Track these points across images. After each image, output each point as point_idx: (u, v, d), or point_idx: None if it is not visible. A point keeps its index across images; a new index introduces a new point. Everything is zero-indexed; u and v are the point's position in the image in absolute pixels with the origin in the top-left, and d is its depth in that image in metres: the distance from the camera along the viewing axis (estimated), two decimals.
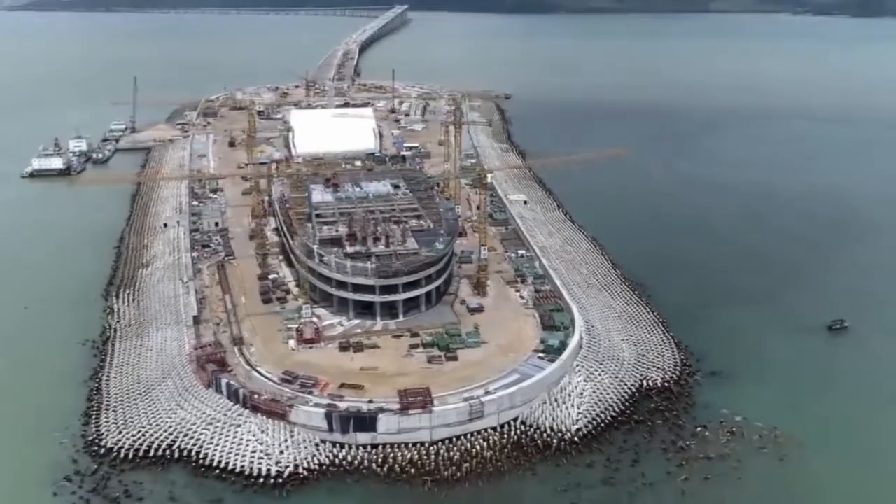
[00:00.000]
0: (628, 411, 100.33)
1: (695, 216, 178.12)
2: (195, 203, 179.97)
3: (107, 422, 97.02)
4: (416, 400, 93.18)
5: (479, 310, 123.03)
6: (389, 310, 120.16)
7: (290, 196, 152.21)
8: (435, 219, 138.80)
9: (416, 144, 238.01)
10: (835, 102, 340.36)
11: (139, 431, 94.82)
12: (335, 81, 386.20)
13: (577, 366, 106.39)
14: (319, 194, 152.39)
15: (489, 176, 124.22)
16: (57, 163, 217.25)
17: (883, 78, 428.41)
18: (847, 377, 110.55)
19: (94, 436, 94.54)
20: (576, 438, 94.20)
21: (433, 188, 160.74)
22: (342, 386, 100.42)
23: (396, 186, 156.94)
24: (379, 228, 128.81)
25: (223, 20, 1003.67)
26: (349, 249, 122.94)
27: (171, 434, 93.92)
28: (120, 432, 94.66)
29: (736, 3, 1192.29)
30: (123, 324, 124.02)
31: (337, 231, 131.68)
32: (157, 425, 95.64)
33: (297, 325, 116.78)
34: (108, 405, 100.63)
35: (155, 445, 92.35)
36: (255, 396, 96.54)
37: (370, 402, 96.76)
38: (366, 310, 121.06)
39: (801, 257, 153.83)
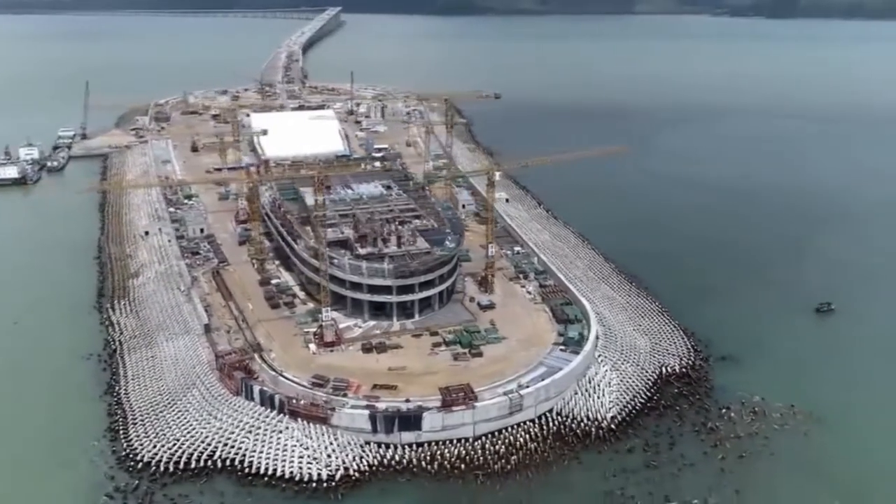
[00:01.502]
0: (655, 397, 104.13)
1: (672, 211, 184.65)
2: (172, 210, 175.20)
3: (137, 436, 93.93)
4: (459, 396, 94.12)
5: (491, 307, 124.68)
6: (404, 310, 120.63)
7: (282, 200, 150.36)
8: (436, 218, 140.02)
9: (385, 146, 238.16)
10: (769, 99, 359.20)
11: (174, 443, 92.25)
12: (285, 84, 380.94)
13: (600, 356, 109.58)
14: (313, 197, 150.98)
15: (497, 174, 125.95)
16: (12, 172, 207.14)
17: (807, 74, 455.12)
18: (842, 355, 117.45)
19: (127, 450, 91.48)
20: (612, 426, 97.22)
21: (424, 188, 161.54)
22: (375, 387, 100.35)
23: (388, 187, 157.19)
24: (386, 229, 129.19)
25: (155, 22, 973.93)
26: (362, 251, 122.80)
27: (209, 444, 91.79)
28: (154, 446, 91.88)
29: (658, 5, 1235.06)
30: (127, 336, 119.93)
31: (342, 233, 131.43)
32: (193, 436, 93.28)
33: (314, 329, 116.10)
34: (134, 419, 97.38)
35: (195, 456, 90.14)
36: (294, 401, 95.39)
37: (407, 401, 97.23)
38: (379, 311, 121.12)
39: (780, 246, 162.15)
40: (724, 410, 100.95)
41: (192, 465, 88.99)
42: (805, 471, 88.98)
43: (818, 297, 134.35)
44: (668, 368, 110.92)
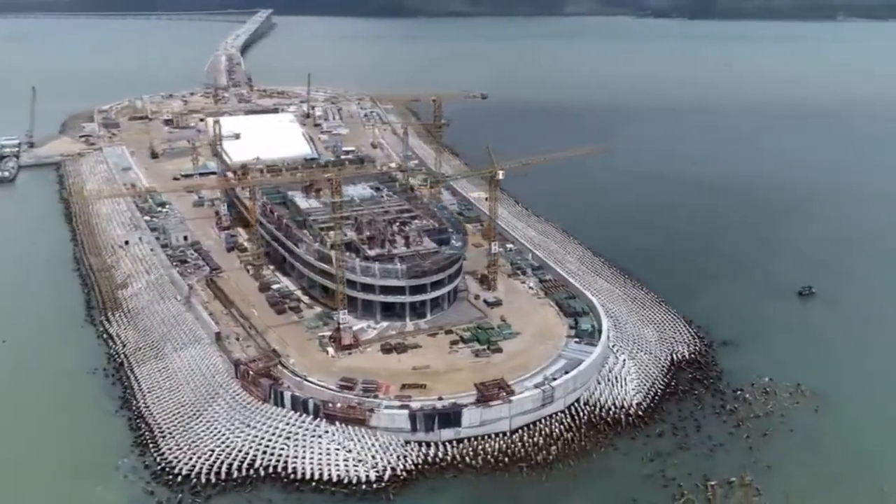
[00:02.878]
0: (672, 383, 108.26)
1: (648, 205, 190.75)
2: (147, 218, 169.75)
3: (170, 449, 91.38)
4: (496, 391, 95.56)
5: (498, 303, 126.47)
6: (414, 310, 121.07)
7: (273, 205, 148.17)
8: (433, 218, 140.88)
9: (353, 148, 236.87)
10: (711, 96, 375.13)
11: (209, 454, 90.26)
12: (231, 87, 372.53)
13: (615, 346, 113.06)
14: (304, 201, 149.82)
15: (500, 173, 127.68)
16: None
17: (742, 72, 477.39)
18: (830, 334, 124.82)
19: (162, 464, 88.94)
20: (640, 412, 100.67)
21: (412, 189, 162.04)
22: (404, 387, 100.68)
23: (377, 189, 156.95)
24: (388, 230, 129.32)
25: (74, 25, 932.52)
26: (371, 253, 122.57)
27: (246, 453, 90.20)
28: (189, 458, 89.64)
29: (584, 7, 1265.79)
30: (131, 348, 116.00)
31: (346, 235, 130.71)
32: (228, 446, 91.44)
33: (326, 333, 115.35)
34: (161, 432, 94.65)
35: (234, 466, 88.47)
36: (330, 405, 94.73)
37: (440, 398, 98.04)
38: (388, 311, 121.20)
39: (754, 236, 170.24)
40: (738, 392, 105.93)
41: (234, 475, 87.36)
42: (825, 445, 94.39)
43: (798, 281, 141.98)
44: (678, 355, 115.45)
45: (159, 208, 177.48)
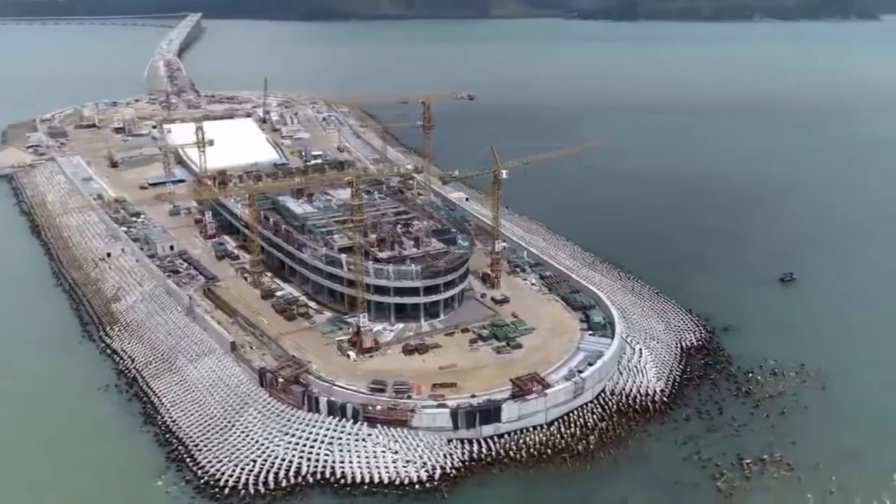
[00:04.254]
0: (687, 370, 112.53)
1: (623, 202, 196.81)
2: (124, 229, 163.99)
3: (210, 462, 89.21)
4: (533, 385, 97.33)
5: (506, 300, 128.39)
6: (426, 310, 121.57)
7: (266, 211, 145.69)
8: (431, 218, 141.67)
9: (320, 152, 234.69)
10: (653, 94, 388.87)
11: (252, 464, 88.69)
12: (175, 92, 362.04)
13: (629, 337, 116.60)
14: (298, 206, 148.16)
15: (504, 172, 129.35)
16: None
17: (673, 74, 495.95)
18: (818, 316, 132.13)
19: (206, 478, 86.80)
20: (664, 399, 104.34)
21: (401, 191, 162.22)
22: (435, 386, 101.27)
23: (368, 192, 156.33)
24: (393, 232, 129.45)
25: None
26: (382, 255, 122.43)
27: (290, 461, 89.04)
28: (232, 470, 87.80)
29: (512, 10, 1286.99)
30: (141, 363, 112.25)
31: (351, 238, 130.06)
32: (270, 454, 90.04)
33: (343, 337, 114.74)
34: (196, 446, 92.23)
35: (281, 474, 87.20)
36: (370, 408, 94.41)
37: (473, 396, 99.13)
38: (401, 313, 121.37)
39: (727, 227, 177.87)
40: (749, 375, 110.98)
41: (283, 484, 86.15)
42: (839, 419, 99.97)
43: (777, 269, 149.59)
44: (687, 343, 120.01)
45: (133, 218, 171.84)
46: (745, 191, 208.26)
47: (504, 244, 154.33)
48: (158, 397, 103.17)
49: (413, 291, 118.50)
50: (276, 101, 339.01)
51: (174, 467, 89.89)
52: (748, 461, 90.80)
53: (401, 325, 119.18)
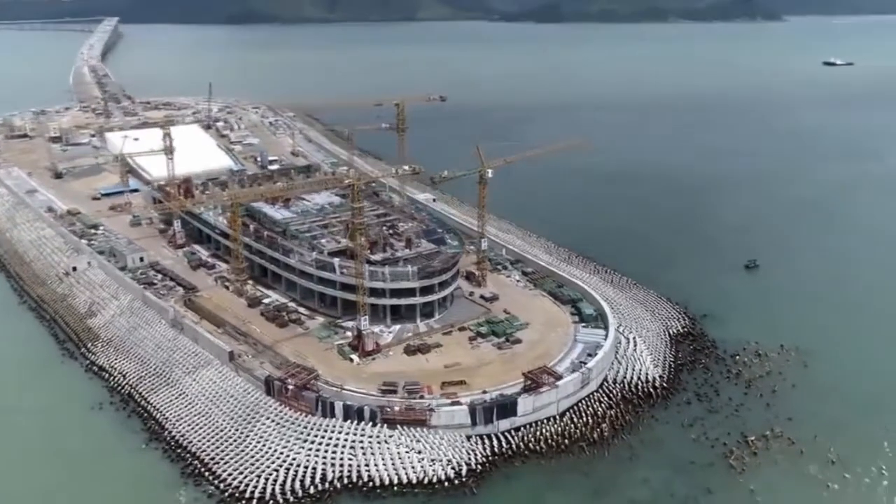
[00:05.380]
0: (679, 355, 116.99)
1: (587, 197, 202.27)
2: (85, 242, 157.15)
3: (230, 474, 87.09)
4: (546, 377, 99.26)
5: (495, 298, 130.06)
6: (421, 311, 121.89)
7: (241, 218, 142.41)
8: (412, 219, 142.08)
9: (276, 157, 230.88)
10: (575, 92, 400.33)
11: (274, 474, 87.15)
12: (107, 99, 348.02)
13: (620, 327, 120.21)
14: (276, 211, 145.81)
15: (489, 172, 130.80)
16: None
17: (607, 73, 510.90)
18: (784, 298, 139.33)
19: (230, 490, 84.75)
20: (664, 384, 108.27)
21: (376, 194, 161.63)
22: (444, 385, 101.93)
23: (344, 196, 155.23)
24: (382, 234, 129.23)
25: None
26: (376, 257, 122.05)
27: (314, 468, 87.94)
28: (256, 481, 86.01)
29: (437, 12, 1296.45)
30: (134, 378, 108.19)
31: (339, 242, 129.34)
32: (291, 463, 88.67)
33: (341, 341, 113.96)
34: (212, 459, 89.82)
35: (307, 482, 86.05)
36: (388, 410, 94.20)
37: (484, 392, 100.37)
38: (395, 314, 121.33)
39: (686, 219, 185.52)
40: (736, 357, 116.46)
41: (311, 491, 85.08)
42: (825, 393, 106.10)
43: (741, 257, 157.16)
44: (673, 330, 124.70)
45: (92, 230, 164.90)
46: (697, 183, 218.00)
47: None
48: (160, 412, 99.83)
49: (409, 292, 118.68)
50: (216, 106, 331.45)
51: (191, 482, 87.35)
52: (753, 438, 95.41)
53: (397, 327, 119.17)
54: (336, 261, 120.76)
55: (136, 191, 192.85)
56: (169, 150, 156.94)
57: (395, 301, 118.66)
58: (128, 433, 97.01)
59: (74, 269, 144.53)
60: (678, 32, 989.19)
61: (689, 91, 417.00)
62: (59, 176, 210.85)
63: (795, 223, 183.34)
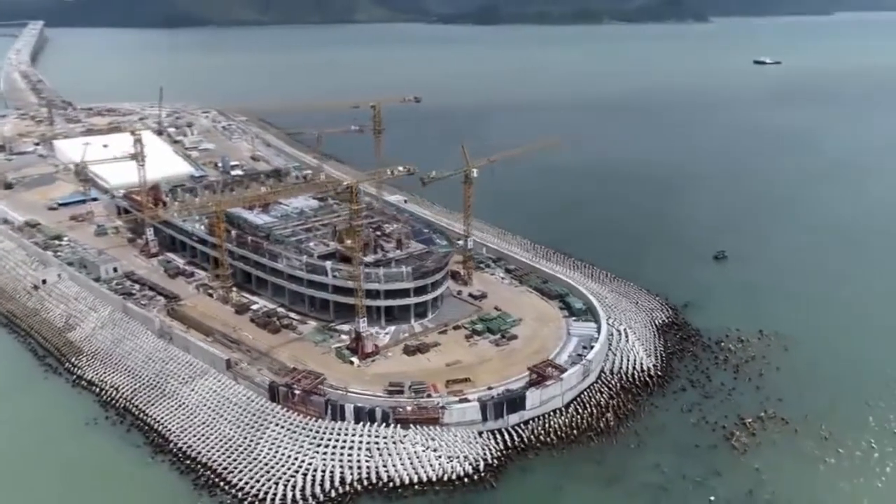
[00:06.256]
0: (667, 344, 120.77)
1: (554, 195, 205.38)
2: (49, 253, 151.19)
3: (247, 483, 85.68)
4: (551, 370, 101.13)
5: (484, 296, 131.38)
6: (415, 310, 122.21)
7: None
8: (395, 220, 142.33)
9: (238, 162, 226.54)
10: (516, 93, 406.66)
11: (292, 479, 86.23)
12: (44, 106, 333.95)
13: (610, 318, 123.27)
14: (256, 217, 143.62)
15: (475, 171, 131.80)
16: None
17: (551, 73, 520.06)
18: (754, 286, 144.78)
19: (248, 499, 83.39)
20: (658, 373, 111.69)
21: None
22: (449, 383, 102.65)
23: (322, 199, 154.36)
24: (377, 234, 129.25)
25: None
26: (369, 259, 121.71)
27: (332, 471, 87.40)
28: (274, 488, 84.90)
29: (375, 15, 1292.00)
30: (128, 391, 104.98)
31: (328, 245, 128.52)
32: (308, 467, 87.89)
33: (337, 344, 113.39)
34: (226, 468, 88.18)
35: (326, 486, 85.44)
36: (400, 410, 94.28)
37: (489, 388, 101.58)
38: (388, 315, 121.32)
39: (654, 213, 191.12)
40: (721, 344, 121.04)
41: (332, 494, 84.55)
42: (808, 375, 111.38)
43: (709, 249, 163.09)
44: (658, 321, 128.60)
45: (56, 242, 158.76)
46: (656, 180, 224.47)
47: (460, 242, 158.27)
48: (162, 424, 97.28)
49: (403, 293, 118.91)
50: (164, 111, 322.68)
51: (206, 493, 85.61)
52: (749, 420, 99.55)
53: (392, 328, 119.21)
54: (328, 264, 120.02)
55: (95, 199, 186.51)
56: (141, 157, 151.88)
57: (389, 302, 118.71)
58: (130, 447, 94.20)
59: (44, 281, 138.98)
60: (612, 33, 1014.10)
61: (635, 91, 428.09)
62: (9, 186, 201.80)
63: (755, 215, 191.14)
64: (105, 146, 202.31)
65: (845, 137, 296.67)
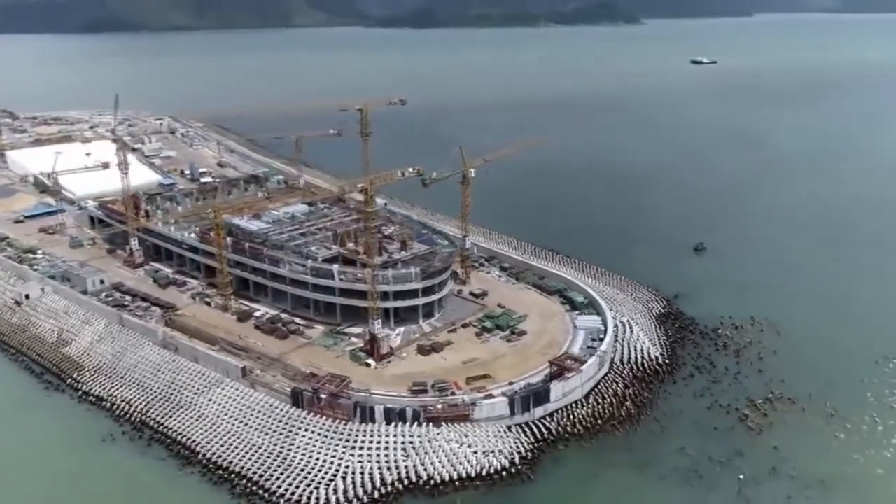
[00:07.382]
0: (668, 333, 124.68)
1: (532, 194, 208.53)
2: (26, 267, 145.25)
3: (287, 490, 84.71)
4: (571, 363, 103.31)
5: (485, 294, 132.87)
6: (423, 310, 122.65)
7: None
8: (390, 223, 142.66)
9: (206, 169, 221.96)
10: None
11: (331, 482, 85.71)
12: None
13: (611, 311, 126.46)
14: (249, 223, 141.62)
15: (471, 170, 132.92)
16: None
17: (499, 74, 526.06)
18: (736, 275, 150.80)
19: None
20: (666, 361, 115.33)
21: (342, 200, 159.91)
22: (469, 380, 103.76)
23: (312, 204, 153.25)
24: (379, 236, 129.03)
25: None
26: (376, 261, 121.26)
27: (371, 472, 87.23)
28: (315, 493, 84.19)
29: (313, 19, 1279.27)
30: (142, 404, 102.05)
31: (331, 249, 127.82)
32: (347, 470, 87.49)
33: (350, 347, 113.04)
34: (262, 476, 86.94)
35: (368, 487, 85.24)
36: (430, 409, 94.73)
37: (510, 383, 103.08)
38: (396, 316, 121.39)
39: (631, 208, 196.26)
40: (717, 331, 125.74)
41: (375, 496, 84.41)
42: (805, 357, 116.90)
43: (687, 240, 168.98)
44: (655, 311, 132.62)
45: (30, 255, 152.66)
46: (622, 176, 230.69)
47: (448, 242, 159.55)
48: (185, 436, 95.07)
49: (412, 294, 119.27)
50: (115, 119, 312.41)
51: (245, 501, 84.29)
52: (759, 402, 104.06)
53: (402, 329, 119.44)
54: (335, 267, 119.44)
55: (62, 211, 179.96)
56: (124, 165, 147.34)
57: (398, 303, 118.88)
58: (155, 461, 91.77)
59: (27, 296, 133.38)
60: (549, 35, 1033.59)
61: (584, 90, 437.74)
62: None
63: (723, 207, 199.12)
64: (88, 154, 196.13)
65: (790, 131, 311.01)
